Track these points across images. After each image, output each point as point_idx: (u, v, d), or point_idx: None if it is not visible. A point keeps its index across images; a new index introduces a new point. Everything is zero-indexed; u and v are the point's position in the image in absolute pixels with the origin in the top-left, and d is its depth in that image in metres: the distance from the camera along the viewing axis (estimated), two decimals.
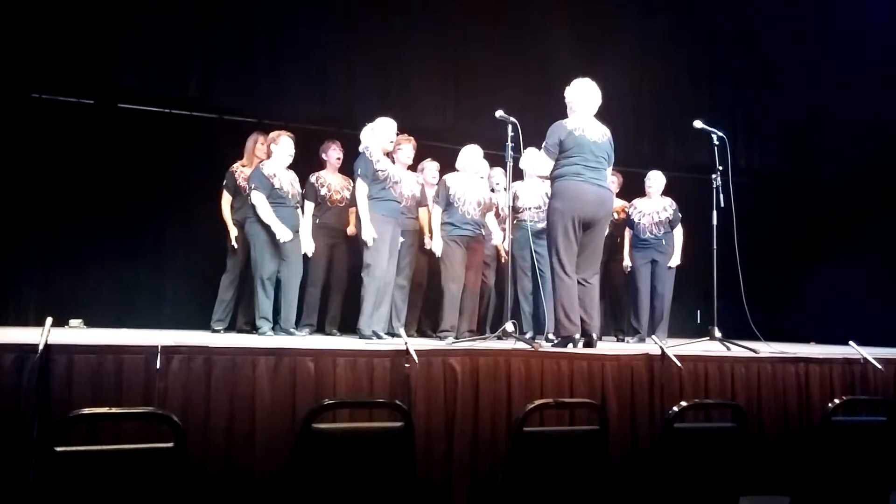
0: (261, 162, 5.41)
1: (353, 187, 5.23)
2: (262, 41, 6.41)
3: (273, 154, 5.34)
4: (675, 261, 6.35)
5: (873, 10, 7.57)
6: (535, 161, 4.77)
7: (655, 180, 6.45)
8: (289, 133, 5.42)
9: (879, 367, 4.35)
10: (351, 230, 5.74)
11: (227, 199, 5.68)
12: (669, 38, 7.95)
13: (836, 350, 4.80)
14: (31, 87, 6.16)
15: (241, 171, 5.71)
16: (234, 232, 5.58)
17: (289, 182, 5.32)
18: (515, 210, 5.73)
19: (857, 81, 7.59)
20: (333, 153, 5.94)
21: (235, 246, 5.57)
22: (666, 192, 6.49)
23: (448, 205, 5.43)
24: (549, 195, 4.71)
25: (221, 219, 5.67)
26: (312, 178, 5.76)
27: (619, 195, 6.69)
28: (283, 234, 5.11)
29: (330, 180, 5.85)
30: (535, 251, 5.37)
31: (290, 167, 5.42)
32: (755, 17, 8.19)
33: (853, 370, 4.39)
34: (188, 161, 6.56)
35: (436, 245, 5.40)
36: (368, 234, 4.97)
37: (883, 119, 7.43)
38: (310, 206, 5.65)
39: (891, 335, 6.02)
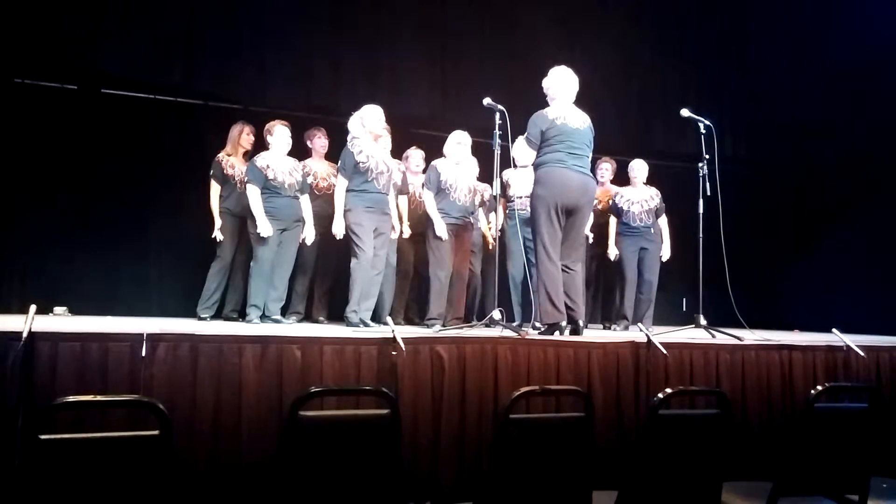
0: (255, 154, 5.39)
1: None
2: (247, 27, 6.36)
3: (270, 145, 5.32)
4: (667, 253, 6.36)
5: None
6: (519, 151, 4.76)
7: (639, 169, 6.46)
8: (284, 122, 5.40)
9: (862, 353, 4.40)
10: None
11: (215, 189, 5.66)
12: (656, 27, 7.95)
13: (820, 337, 4.84)
14: (13, 72, 6.08)
15: (226, 160, 5.70)
16: (218, 223, 5.58)
17: (286, 172, 5.28)
18: (506, 198, 5.73)
19: (843, 70, 7.62)
20: (318, 141, 5.92)
21: (218, 238, 5.56)
22: (652, 181, 6.51)
23: (438, 191, 5.39)
24: (533, 182, 4.71)
25: (209, 208, 5.64)
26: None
27: (612, 182, 6.72)
28: (264, 229, 5.08)
29: (316, 168, 5.83)
30: (524, 239, 5.37)
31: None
32: (742, 5, 8.20)
33: (836, 357, 4.44)
34: (172, 147, 6.51)
35: (439, 229, 5.28)
36: (339, 229, 4.98)
37: (868, 108, 7.48)
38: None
39: (873, 323, 6.08)
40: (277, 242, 5.20)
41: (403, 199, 5.76)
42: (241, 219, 5.51)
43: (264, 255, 5.15)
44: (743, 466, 3.73)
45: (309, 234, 5.38)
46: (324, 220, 5.71)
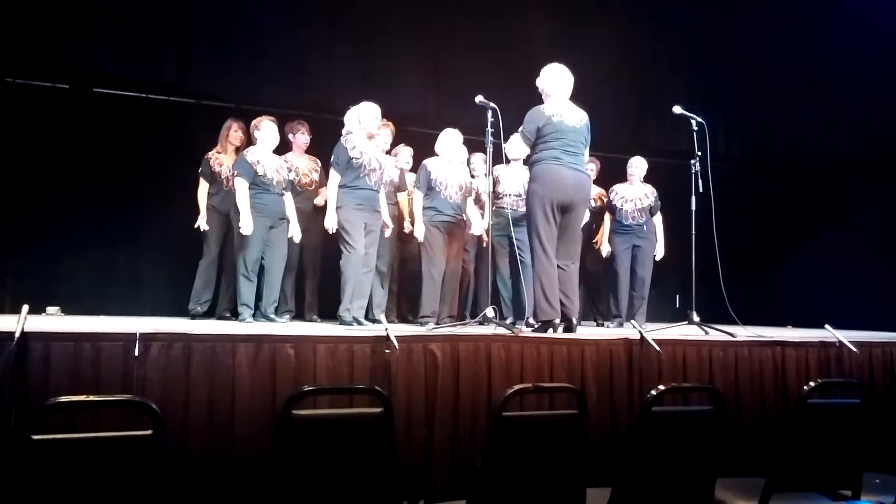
0: (245, 149, 5.37)
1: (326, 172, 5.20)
2: (239, 25, 6.32)
3: (257, 140, 5.30)
4: (660, 252, 6.37)
5: None
6: (511, 144, 4.75)
7: (638, 167, 6.46)
8: (271, 118, 5.37)
9: (854, 349, 4.42)
10: (319, 201, 5.72)
11: (203, 186, 5.66)
12: (649, 24, 7.94)
13: (812, 333, 4.86)
14: (4, 72, 6.04)
15: (216, 157, 5.70)
16: (203, 215, 5.58)
17: (274, 168, 5.26)
18: (496, 195, 5.72)
19: (836, 68, 7.64)
20: (301, 136, 5.85)
21: (203, 228, 5.56)
22: (647, 178, 6.52)
23: (429, 189, 5.38)
24: (528, 180, 4.70)
25: (196, 204, 5.64)
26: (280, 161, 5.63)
27: (595, 182, 6.71)
28: (246, 225, 5.03)
29: (297, 164, 5.79)
30: (514, 238, 5.38)
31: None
32: (740, 5, 8.20)
33: (829, 353, 4.46)
34: (165, 146, 6.49)
35: (418, 230, 5.32)
36: (331, 223, 4.93)
37: (862, 106, 7.50)
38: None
39: (866, 319, 6.10)
40: (264, 239, 5.17)
41: (403, 197, 5.75)
42: (228, 216, 5.49)
43: (252, 253, 5.12)
44: (736, 463, 3.74)
45: (295, 232, 5.33)
46: (305, 216, 5.68)
